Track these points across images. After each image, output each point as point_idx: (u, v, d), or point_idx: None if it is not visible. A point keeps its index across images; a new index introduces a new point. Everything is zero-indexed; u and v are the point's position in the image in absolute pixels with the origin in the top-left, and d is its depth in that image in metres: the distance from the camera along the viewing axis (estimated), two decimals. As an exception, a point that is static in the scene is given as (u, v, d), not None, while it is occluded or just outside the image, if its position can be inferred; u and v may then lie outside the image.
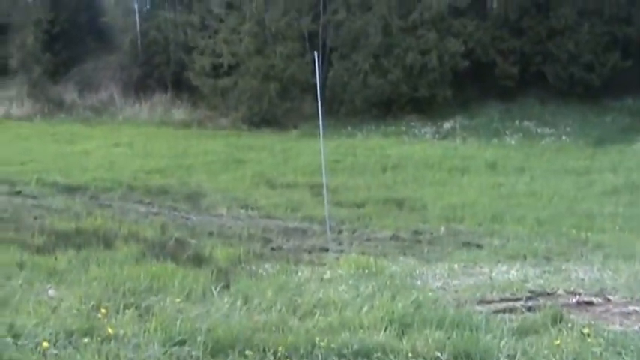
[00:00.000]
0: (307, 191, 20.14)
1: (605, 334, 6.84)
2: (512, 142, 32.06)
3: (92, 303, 7.45)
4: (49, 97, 44.39)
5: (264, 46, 38.68)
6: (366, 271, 9.74)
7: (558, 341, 6.47)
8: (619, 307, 8.04)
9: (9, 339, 6.15)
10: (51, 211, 16.28)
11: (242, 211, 17.66)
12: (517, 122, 35.29)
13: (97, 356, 5.89)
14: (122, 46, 45.28)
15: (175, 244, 12.41)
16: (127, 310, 7.26)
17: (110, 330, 6.48)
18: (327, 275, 9.69)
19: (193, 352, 6.16)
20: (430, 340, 6.44)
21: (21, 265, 9.50)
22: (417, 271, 10.19)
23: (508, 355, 6.28)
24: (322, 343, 6.31)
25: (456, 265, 10.76)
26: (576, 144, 31.02)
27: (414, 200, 19.17)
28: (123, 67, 44.67)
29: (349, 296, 8.11)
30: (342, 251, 12.73)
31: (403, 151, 28.87)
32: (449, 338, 6.58)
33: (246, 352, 6.15)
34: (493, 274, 9.97)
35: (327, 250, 12.88)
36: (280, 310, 7.53)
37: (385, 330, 6.86)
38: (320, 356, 6.17)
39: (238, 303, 7.73)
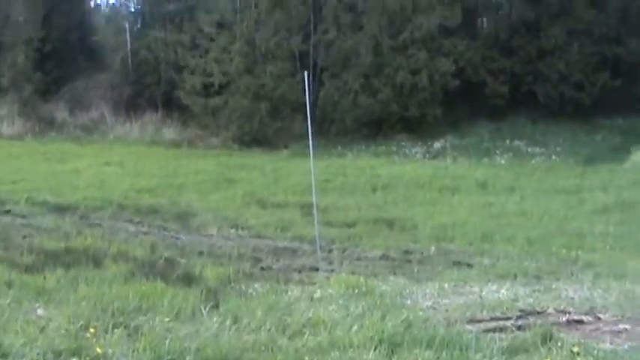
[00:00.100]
0: (298, 211, 20.10)
1: (596, 352, 6.84)
2: (503, 162, 32.09)
3: (81, 322, 7.41)
4: (40, 115, 44.35)
5: (255, 66, 38.75)
6: (356, 290, 9.70)
7: (548, 360, 6.47)
8: (609, 325, 8.03)
9: (-4, 359, 6.12)
10: (40, 230, 16.22)
11: (232, 230, 17.61)
12: (507, 141, 35.38)
13: (85, 376, 5.86)
14: (113, 65, 45.33)
15: (165, 264, 12.37)
16: (115, 330, 7.23)
17: (99, 350, 6.45)
18: (317, 295, 9.66)
19: (182, 372, 6.14)
20: (420, 360, 6.43)
21: (9, 284, 9.44)
22: (407, 291, 10.16)
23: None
24: (312, 363, 6.29)
25: (446, 285, 10.73)
26: (567, 163, 31.08)
27: (404, 220, 19.14)
28: (114, 86, 44.69)
29: (339, 316, 8.08)
30: (332, 271, 12.69)
31: (393, 170, 28.86)
32: (438, 358, 6.58)
33: (236, 371, 6.13)
34: (483, 293, 9.94)
35: (317, 269, 12.84)
36: (270, 330, 7.50)
37: (375, 350, 6.84)
38: (309, 376, 6.15)
39: (227, 323, 7.70)
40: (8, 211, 18.88)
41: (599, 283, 10.70)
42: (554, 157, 32.59)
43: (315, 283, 10.96)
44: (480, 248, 15.47)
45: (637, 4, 38.01)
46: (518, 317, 8.34)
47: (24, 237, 15.08)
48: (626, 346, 7.26)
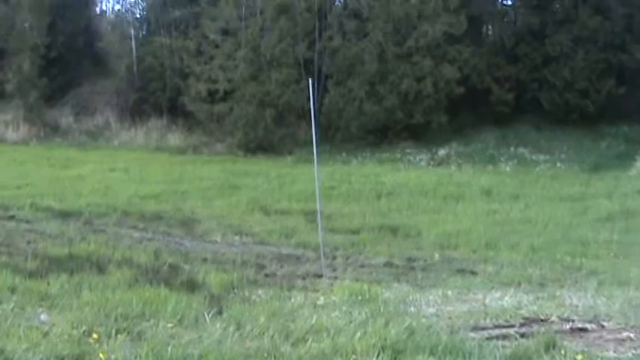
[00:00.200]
0: (302, 217, 20.07)
1: (599, 360, 6.82)
2: (508, 169, 32.05)
3: (84, 328, 7.41)
4: (45, 121, 44.46)
5: (260, 73, 38.77)
6: (360, 297, 9.70)
7: (551, 368, 6.45)
8: (613, 333, 8.01)
9: (-1, 364, 6.12)
10: (44, 235, 16.22)
11: (236, 237, 17.59)
12: (512, 149, 35.35)
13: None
14: (118, 72, 45.41)
15: (169, 270, 12.37)
16: (119, 336, 7.24)
17: (102, 355, 6.46)
18: (321, 301, 9.66)
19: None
20: (423, 367, 6.42)
21: (13, 290, 9.45)
22: (411, 298, 10.15)
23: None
24: (314, 370, 6.28)
25: (449, 292, 10.71)
26: (571, 170, 31.06)
27: (408, 227, 19.11)
28: (119, 92, 44.76)
29: (342, 322, 8.08)
30: (335, 277, 12.68)
31: (398, 177, 28.85)
32: (441, 365, 6.57)
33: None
34: (487, 300, 9.92)
35: (320, 276, 12.84)
36: (273, 337, 7.49)
37: (378, 357, 6.84)
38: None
39: (231, 329, 7.70)
40: (12, 217, 18.87)
41: (603, 291, 10.68)
42: (559, 165, 32.55)
43: (318, 290, 10.97)
44: (484, 256, 15.45)
45: (642, 11, 38.00)
46: (522, 325, 8.33)
47: (28, 242, 15.09)
48: (629, 354, 7.24)
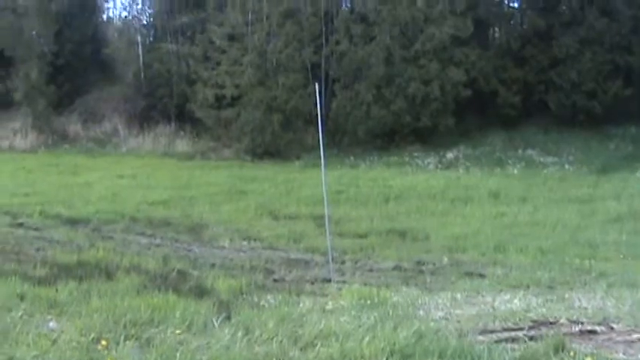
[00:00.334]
0: (310, 222, 20.07)
1: (609, 363, 6.80)
2: (515, 171, 32.04)
3: (92, 335, 7.40)
4: (53, 128, 44.63)
5: (267, 78, 38.82)
6: (368, 301, 9.69)
7: (561, 371, 6.44)
8: (623, 335, 7.98)
9: (8, 372, 6.13)
10: (53, 242, 16.25)
11: (245, 242, 17.60)
12: (520, 151, 35.34)
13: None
14: (125, 78, 45.60)
15: (177, 276, 12.36)
16: (127, 342, 7.23)
17: (110, 362, 6.46)
18: (329, 306, 9.64)
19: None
20: (432, 371, 6.40)
21: (21, 297, 9.45)
22: (420, 302, 10.13)
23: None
24: (323, 374, 6.27)
25: (458, 295, 10.69)
26: (579, 172, 31.04)
27: (416, 230, 19.10)
28: (126, 99, 44.88)
29: (351, 327, 8.06)
30: (344, 282, 12.67)
31: (406, 181, 28.85)
32: (450, 369, 6.55)
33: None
34: (496, 303, 9.90)
35: (329, 280, 12.82)
36: (281, 342, 7.47)
37: (386, 361, 6.83)
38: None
39: (239, 334, 7.68)
40: (21, 224, 18.92)
41: (613, 293, 10.65)
42: (566, 167, 32.54)
43: (327, 295, 10.96)
44: (493, 258, 15.43)
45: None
46: (531, 327, 8.30)
47: (37, 250, 15.11)
48: (639, 357, 7.22)
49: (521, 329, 8.23)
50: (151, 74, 44.12)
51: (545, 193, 25.58)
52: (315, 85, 15.76)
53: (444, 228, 19.41)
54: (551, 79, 37.60)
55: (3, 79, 46.63)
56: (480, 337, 7.85)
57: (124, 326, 7.95)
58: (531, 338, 7.78)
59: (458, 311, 9.45)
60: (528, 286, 11.87)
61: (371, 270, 14.40)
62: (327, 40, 39.34)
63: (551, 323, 8.52)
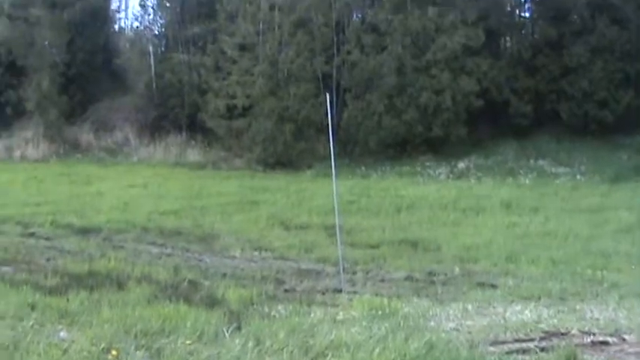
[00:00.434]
0: (322, 232, 20.03)
1: (620, 374, 6.78)
2: (527, 181, 31.99)
3: (103, 345, 7.41)
4: (65, 138, 44.80)
5: (278, 88, 38.86)
6: (380, 312, 9.68)
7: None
8: (634, 347, 7.95)
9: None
10: (64, 252, 16.28)
11: (256, 252, 17.57)
12: (532, 161, 35.29)
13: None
14: (137, 88, 45.73)
15: (188, 286, 12.37)
16: (138, 352, 7.25)
17: (120, 372, 6.46)
18: (340, 317, 9.63)
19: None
20: (442, 382, 6.38)
21: (32, 307, 9.47)
22: (431, 312, 10.11)
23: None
24: (333, 385, 6.26)
25: (469, 306, 10.66)
26: (591, 182, 30.97)
27: (428, 241, 19.04)
28: (138, 109, 45.01)
29: (362, 338, 8.05)
30: (355, 292, 12.63)
31: (417, 191, 28.81)
32: (461, 380, 6.53)
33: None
34: (507, 314, 9.88)
35: (340, 291, 12.80)
36: (292, 352, 7.47)
37: (397, 372, 6.81)
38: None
39: (250, 345, 7.67)
40: (33, 234, 18.97)
41: (625, 304, 10.60)
42: (578, 177, 32.47)
43: (338, 305, 10.94)
44: (505, 269, 15.36)
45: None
46: (542, 339, 8.28)
47: (48, 259, 15.16)
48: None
49: (532, 340, 8.21)
50: (162, 84, 44.23)
51: (557, 203, 25.50)
52: (326, 95, 15.75)
53: (456, 238, 19.35)
54: (563, 88, 37.55)
55: (15, 88, 46.73)
56: (491, 349, 7.83)
57: (135, 336, 7.96)
58: (543, 349, 7.76)
59: (469, 322, 9.43)
60: (540, 297, 11.82)
61: (382, 280, 14.36)
62: (338, 50, 39.35)
63: (562, 334, 8.50)
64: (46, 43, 46.84)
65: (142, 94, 45.21)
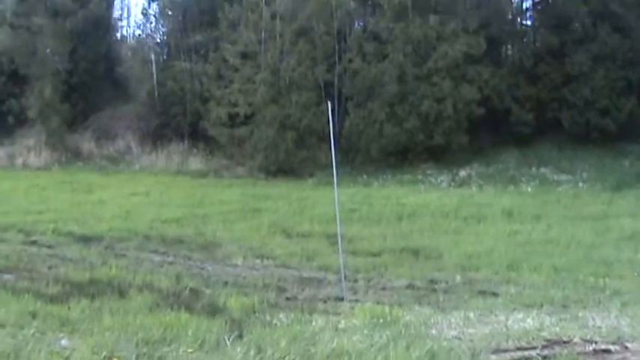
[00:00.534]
0: (323, 240, 20.02)
1: (623, 383, 6.76)
2: (529, 189, 31.96)
3: (104, 353, 7.41)
4: (67, 146, 44.85)
5: (280, 96, 38.90)
6: (381, 320, 9.66)
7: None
8: (637, 355, 7.93)
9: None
10: (66, 260, 16.28)
11: (257, 260, 17.55)
12: (533, 169, 35.26)
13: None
14: (139, 96, 45.82)
15: (190, 294, 12.36)
16: (139, 361, 7.23)
17: (122, 381, 6.45)
18: (342, 325, 9.62)
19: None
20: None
21: (34, 315, 9.47)
22: (432, 320, 10.09)
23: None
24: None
25: (471, 314, 10.64)
26: (593, 189, 30.94)
27: (429, 249, 19.01)
28: (140, 117, 45.08)
29: (363, 346, 8.04)
30: (357, 300, 12.62)
31: (419, 199, 28.79)
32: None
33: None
34: (509, 322, 9.86)
35: (342, 299, 12.78)
36: (294, 360, 7.48)
37: (399, 380, 6.80)
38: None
39: (251, 353, 7.67)
40: (34, 242, 18.97)
41: (627, 312, 10.58)
42: (580, 185, 32.44)
43: (339, 313, 10.93)
44: (506, 277, 15.33)
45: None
46: (544, 347, 8.25)
47: (49, 267, 15.16)
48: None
49: (534, 348, 8.19)
50: (164, 92, 44.29)
51: (559, 211, 25.47)
52: (327, 103, 15.80)
53: (457, 246, 19.33)
54: (565, 96, 37.54)
55: (17, 96, 46.79)
56: (493, 357, 7.82)
57: (136, 344, 7.96)
58: (545, 357, 7.75)
59: (471, 330, 9.41)
60: (542, 305, 11.80)
61: (384, 288, 14.34)
62: (339, 58, 39.40)
63: (564, 342, 8.48)
64: (49, 51, 46.91)
65: (144, 103, 45.29)
